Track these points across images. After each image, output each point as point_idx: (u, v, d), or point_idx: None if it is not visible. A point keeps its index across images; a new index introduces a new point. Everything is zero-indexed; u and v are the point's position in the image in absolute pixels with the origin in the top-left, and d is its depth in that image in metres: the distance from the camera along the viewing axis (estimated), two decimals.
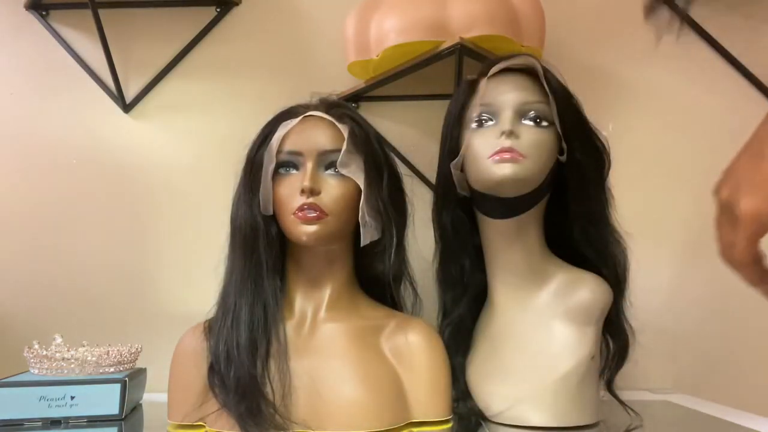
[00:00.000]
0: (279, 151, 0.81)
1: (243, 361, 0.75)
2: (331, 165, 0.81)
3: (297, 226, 0.79)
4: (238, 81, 1.24)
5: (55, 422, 0.89)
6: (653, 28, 0.69)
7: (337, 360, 0.78)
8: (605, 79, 1.27)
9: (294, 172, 0.81)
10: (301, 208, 0.78)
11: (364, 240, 0.81)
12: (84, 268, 1.21)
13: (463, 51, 0.99)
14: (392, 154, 0.91)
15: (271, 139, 0.82)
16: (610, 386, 0.92)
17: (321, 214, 0.78)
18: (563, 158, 0.86)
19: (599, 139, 0.90)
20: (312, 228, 0.78)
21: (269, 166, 0.81)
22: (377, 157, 0.84)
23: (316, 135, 0.81)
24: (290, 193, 0.80)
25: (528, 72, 0.87)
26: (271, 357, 0.77)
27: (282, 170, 0.82)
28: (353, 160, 0.81)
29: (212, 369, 0.77)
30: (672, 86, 1.29)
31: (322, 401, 0.75)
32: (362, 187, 0.81)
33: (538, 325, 0.88)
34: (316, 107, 0.86)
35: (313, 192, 0.78)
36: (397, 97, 1.24)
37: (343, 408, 0.75)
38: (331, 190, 0.80)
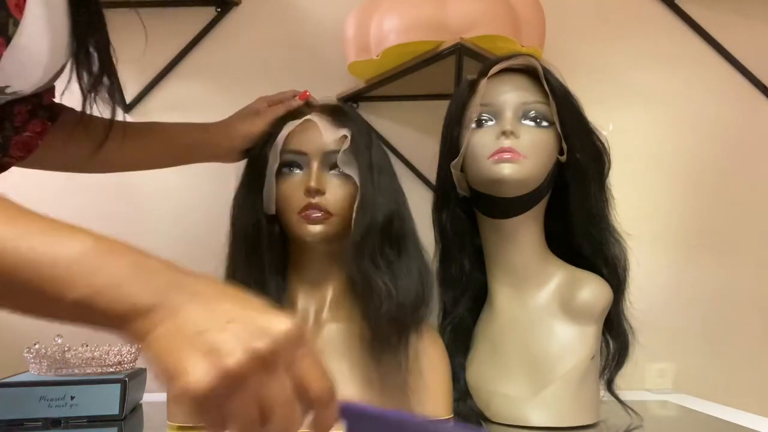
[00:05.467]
0: (283, 151, 0.81)
1: None
2: (336, 165, 0.81)
3: (302, 226, 0.79)
4: (238, 81, 1.24)
5: (55, 422, 0.89)
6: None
7: (340, 360, 0.78)
8: (605, 79, 1.27)
9: (297, 171, 0.81)
10: (306, 208, 0.78)
11: (353, 239, 0.80)
12: None
13: (463, 51, 0.99)
14: (388, 152, 0.91)
15: (275, 139, 0.82)
16: (610, 386, 0.92)
17: (326, 215, 0.78)
18: (563, 158, 0.86)
19: (599, 139, 0.90)
20: (317, 228, 0.78)
21: (273, 165, 0.81)
22: (377, 158, 0.84)
23: (321, 135, 0.81)
24: (294, 193, 0.79)
25: (528, 72, 0.87)
26: None
27: (285, 169, 0.82)
28: (354, 160, 0.81)
29: None
30: (672, 86, 1.29)
31: None
32: (359, 186, 0.80)
33: (538, 325, 0.88)
34: (320, 108, 0.86)
35: (318, 192, 0.78)
36: (397, 97, 1.24)
37: None
38: (336, 190, 0.80)
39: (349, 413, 0.41)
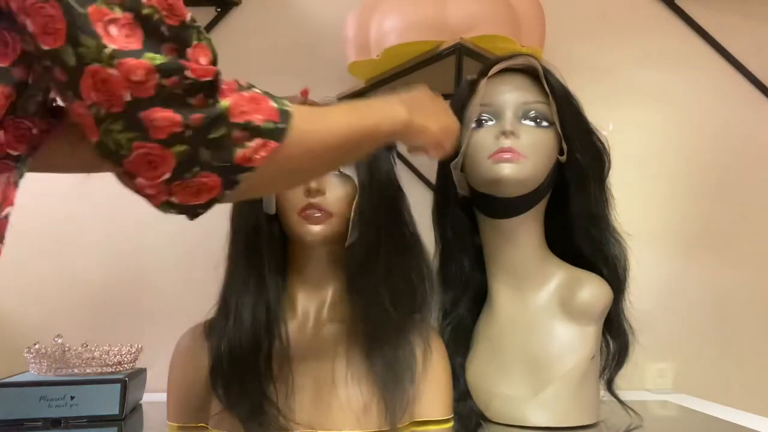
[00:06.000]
0: None
1: (246, 361, 0.75)
2: None
3: (302, 226, 0.79)
4: None
5: (55, 422, 0.89)
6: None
7: (340, 360, 0.78)
8: (605, 79, 1.27)
9: None
10: (306, 208, 0.78)
11: (350, 239, 0.80)
12: (84, 268, 1.21)
13: (463, 51, 0.99)
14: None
15: None
16: (610, 386, 0.92)
17: (326, 215, 0.78)
18: (563, 158, 0.86)
19: (599, 139, 0.90)
20: (317, 228, 0.78)
21: None
22: (377, 158, 0.84)
23: None
24: (294, 193, 0.79)
25: (528, 72, 0.87)
26: (273, 357, 0.77)
27: None
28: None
29: (214, 370, 0.77)
30: (672, 86, 1.29)
31: (326, 402, 0.75)
32: (357, 186, 0.80)
33: (538, 325, 0.88)
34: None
35: (318, 192, 0.78)
36: None
37: (346, 408, 0.75)
38: (335, 190, 0.79)
39: None
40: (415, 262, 0.83)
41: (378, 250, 0.80)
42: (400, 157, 1.24)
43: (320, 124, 0.59)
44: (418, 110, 0.68)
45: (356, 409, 0.75)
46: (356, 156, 0.71)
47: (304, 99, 0.89)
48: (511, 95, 0.85)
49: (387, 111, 0.65)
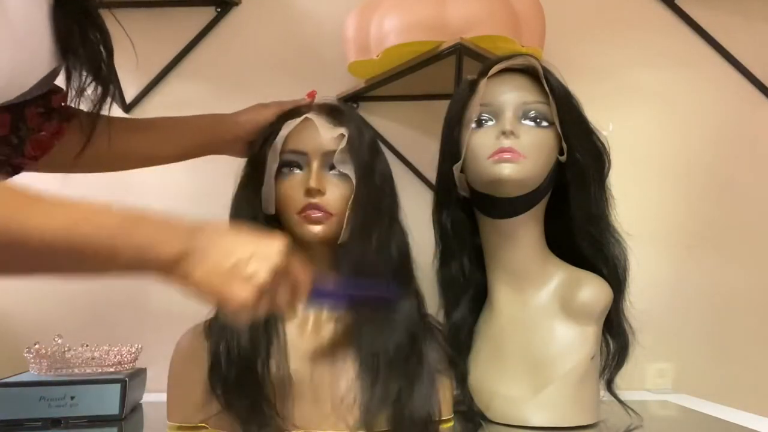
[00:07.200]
0: (283, 150, 0.81)
1: (244, 362, 0.75)
2: (335, 165, 0.81)
3: (302, 226, 0.79)
4: (238, 81, 1.24)
5: (55, 422, 0.90)
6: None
7: (342, 360, 0.78)
8: (605, 79, 1.27)
9: (297, 171, 0.81)
10: (306, 208, 0.78)
11: (343, 237, 0.80)
12: None
13: (463, 51, 0.99)
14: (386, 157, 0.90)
15: (274, 139, 0.82)
16: (610, 386, 0.92)
17: (326, 215, 0.78)
18: (563, 158, 0.86)
19: (599, 139, 0.90)
20: (317, 228, 0.78)
21: (273, 165, 0.81)
22: (374, 158, 0.84)
23: (320, 135, 0.81)
24: (294, 193, 0.79)
25: (528, 72, 0.87)
26: (272, 357, 0.77)
27: (285, 169, 0.82)
28: (350, 159, 0.80)
29: (213, 370, 0.77)
30: (672, 86, 1.29)
31: (324, 403, 0.75)
32: (354, 185, 0.80)
33: (538, 325, 0.88)
34: (318, 107, 0.86)
35: (318, 192, 0.78)
36: (397, 97, 1.24)
37: (344, 409, 0.75)
38: (335, 190, 0.80)
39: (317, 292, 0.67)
40: (407, 261, 0.83)
41: (371, 247, 0.80)
42: (400, 157, 1.24)
43: (8, 215, 0.47)
44: (203, 250, 0.56)
45: (355, 410, 0.75)
46: (70, 270, 0.57)
47: (310, 102, 0.89)
48: (511, 95, 0.85)
49: (143, 237, 0.54)
